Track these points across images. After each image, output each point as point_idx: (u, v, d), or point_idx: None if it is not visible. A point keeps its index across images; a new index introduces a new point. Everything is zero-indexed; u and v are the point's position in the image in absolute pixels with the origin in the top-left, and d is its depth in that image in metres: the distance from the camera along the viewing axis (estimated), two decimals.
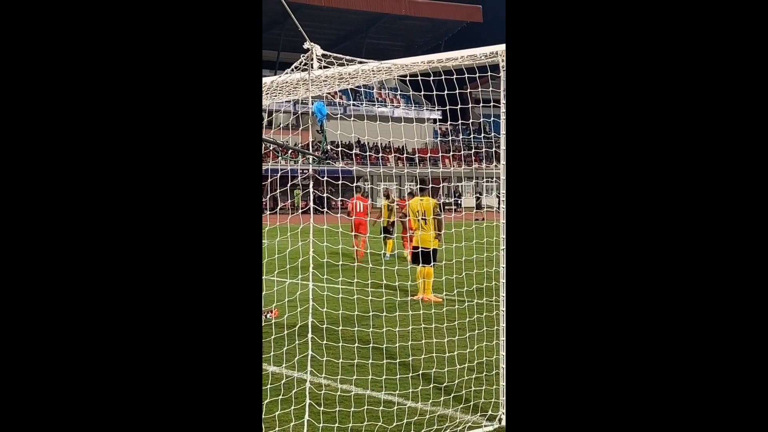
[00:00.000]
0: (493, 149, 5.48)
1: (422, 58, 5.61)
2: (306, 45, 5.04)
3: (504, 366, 5.17)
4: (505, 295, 5.13)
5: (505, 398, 5.19)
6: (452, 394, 5.83)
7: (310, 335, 4.83)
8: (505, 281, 5.13)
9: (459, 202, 41.39)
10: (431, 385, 6.06)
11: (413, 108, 59.24)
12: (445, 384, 6.02)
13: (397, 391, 5.81)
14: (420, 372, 6.45)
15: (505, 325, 5.14)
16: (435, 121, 61.19)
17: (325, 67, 5.27)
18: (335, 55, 5.21)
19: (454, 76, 5.55)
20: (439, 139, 60.33)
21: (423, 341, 6.22)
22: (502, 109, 5.08)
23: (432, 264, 11.12)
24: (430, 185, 11.45)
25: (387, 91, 58.41)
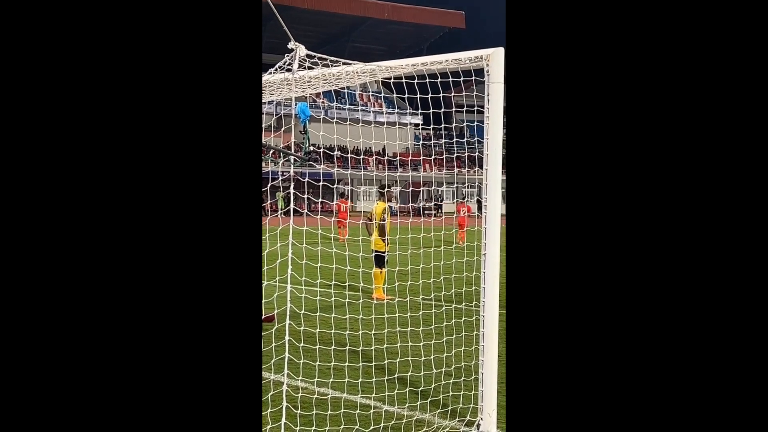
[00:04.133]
0: (476, 154, 5.46)
1: (407, 61, 5.58)
2: (291, 45, 5.00)
3: (483, 371, 5.15)
4: (485, 300, 5.12)
5: (484, 404, 5.17)
6: (429, 399, 5.80)
7: (287, 337, 4.79)
8: (485, 287, 5.11)
9: (440, 206, 41.49)
10: (407, 389, 6.03)
11: (395, 112, 59.34)
12: (422, 388, 5.99)
13: (374, 395, 5.78)
14: (396, 375, 6.42)
15: (485, 330, 5.12)
16: (417, 125, 61.32)
17: (309, 67, 5.23)
18: (319, 55, 5.18)
19: (439, 80, 5.53)
20: (420, 143, 60.50)
21: (398, 344, 6.20)
22: (486, 113, 5.07)
23: (382, 266, 11.31)
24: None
25: (369, 94, 58.48)
